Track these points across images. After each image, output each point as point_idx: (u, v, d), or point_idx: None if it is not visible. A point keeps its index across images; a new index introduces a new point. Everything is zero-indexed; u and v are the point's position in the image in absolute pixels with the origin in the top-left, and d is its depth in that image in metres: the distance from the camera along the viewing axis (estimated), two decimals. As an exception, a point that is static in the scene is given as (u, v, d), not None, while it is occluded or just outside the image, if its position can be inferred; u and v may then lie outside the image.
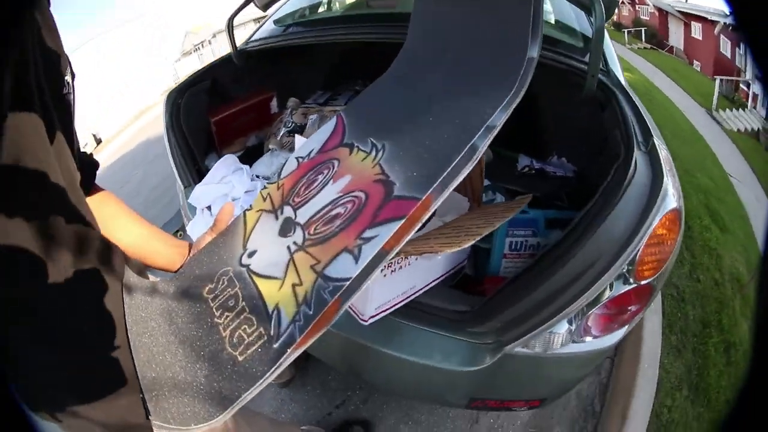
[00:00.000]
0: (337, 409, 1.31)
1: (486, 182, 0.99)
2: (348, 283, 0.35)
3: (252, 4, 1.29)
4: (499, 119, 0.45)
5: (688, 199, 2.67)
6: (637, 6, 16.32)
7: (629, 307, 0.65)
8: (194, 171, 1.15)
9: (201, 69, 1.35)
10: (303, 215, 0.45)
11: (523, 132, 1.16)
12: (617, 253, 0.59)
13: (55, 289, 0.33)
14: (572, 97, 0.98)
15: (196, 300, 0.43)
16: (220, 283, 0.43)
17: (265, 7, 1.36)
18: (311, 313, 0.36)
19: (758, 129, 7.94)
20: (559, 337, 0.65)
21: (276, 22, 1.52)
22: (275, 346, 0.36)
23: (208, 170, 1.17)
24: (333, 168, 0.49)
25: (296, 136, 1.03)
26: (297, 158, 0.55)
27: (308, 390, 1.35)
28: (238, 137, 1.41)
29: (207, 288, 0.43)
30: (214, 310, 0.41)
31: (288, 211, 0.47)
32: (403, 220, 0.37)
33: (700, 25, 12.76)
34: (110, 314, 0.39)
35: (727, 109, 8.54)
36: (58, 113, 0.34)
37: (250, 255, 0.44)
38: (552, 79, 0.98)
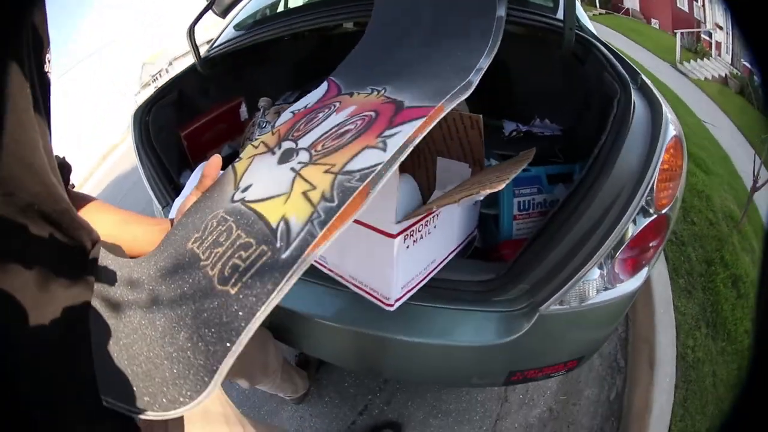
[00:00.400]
0: (361, 415, 1.26)
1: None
2: (378, 167, 0.34)
3: (211, 12, 1.25)
4: (485, 63, 0.51)
5: None
6: None
7: (650, 244, 0.65)
8: (170, 189, 1.09)
9: (166, 82, 1.30)
10: (306, 141, 0.44)
11: (503, 98, 1.16)
12: (635, 186, 0.59)
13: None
14: (551, 57, 0.98)
15: (180, 262, 0.35)
16: (208, 227, 0.37)
17: (224, 14, 1.32)
18: (334, 204, 0.32)
19: (725, 75, 8.15)
20: (592, 286, 0.63)
21: (236, 27, 1.48)
22: (283, 256, 0.30)
23: (179, 181, 1.13)
24: (335, 106, 0.50)
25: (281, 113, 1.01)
26: (292, 111, 0.53)
27: (326, 401, 1.29)
28: (210, 149, 1.36)
29: (192, 239, 0.37)
30: (201, 254, 0.35)
31: (287, 144, 0.45)
32: (423, 119, 0.39)
33: None
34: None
35: (692, 60, 8.72)
36: (41, 90, 0.32)
37: (244, 190, 0.39)
38: (527, 43, 0.98)
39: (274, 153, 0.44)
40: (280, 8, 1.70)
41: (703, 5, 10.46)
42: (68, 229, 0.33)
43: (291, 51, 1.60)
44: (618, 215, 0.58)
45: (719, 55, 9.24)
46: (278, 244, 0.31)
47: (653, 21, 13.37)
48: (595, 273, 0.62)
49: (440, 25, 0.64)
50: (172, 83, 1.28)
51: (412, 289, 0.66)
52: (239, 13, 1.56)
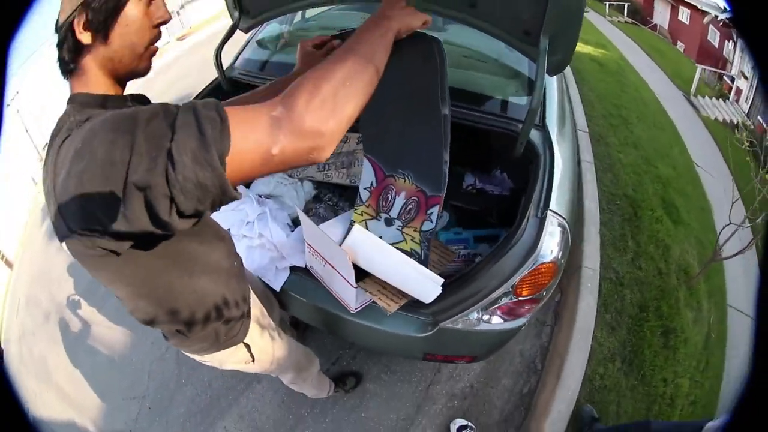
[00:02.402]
0: (333, 365, 1.72)
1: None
2: (433, 228, 0.94)
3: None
4: (446, 156, 0.91)
5: (642, 190, 2.89)
6: None
7: (522, 307, 1.00)
8: None
9: (196, 97, 1.53)
10: (394, 213, 0.99)
11: (471, 152, 1.43)
12: (502, 282, 0.94)
13: None
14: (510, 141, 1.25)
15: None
16: None
17: (247, 30, 1.55)
18: (426, 244, 0.96)
19: (737, 122, 8.02)
20: (471, 321, 1.01)
21: (259, 42, 1.71)
22: (422, 258, 0.95)
23: None
24: (393, 190, 0.98)
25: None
26: (365, 188, 1.02)
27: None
28: None
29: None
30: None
31: (384, 215, 1.00)
32: (440, 203, 0.93)
33: (689, 11, 12.87)
34: None
35: (707, 96, 8.61)
36: None
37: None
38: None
39: (379, 220, 0.97)
40: (300, 22, 1.91)
41: (734, 48, 10.36)
42: None
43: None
44: (488, 293, 0.94)
45: (737, 101, 9.18)
46: (416, 256, 0.93)
47: (679, 44, 13.32)
48: (474, 315, 1.01)
49: (414, 113, 0.92)
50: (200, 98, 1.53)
51: (365, 304, 1.06)
52: (262, 29, 1.76)
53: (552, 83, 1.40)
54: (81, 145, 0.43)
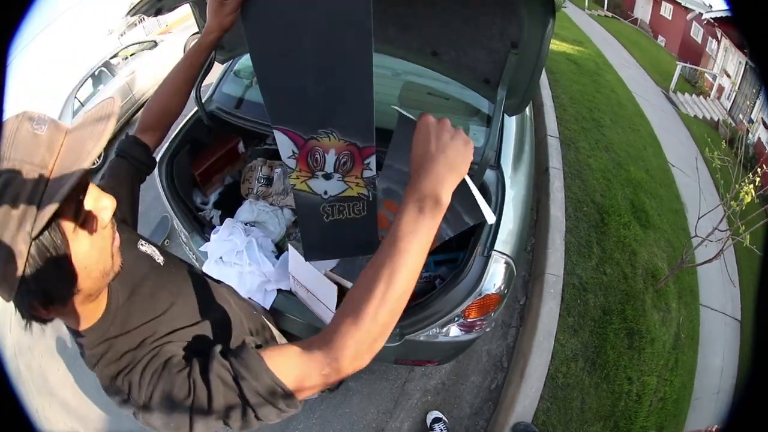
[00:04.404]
0: None
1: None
2: (374, 175, 0.91)
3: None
4: (371, 98, 0.82)
5: (611, 195, 2.95)
6: None
7: (474, 324, 1.20)
8: (191, 218, 1.52)
9: (180, 132, 1.65)
10: (329, 168, 0.92)
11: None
12: (453, 308, 1.13)
13: None
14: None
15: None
16: (325, 209, 0.96)
17: (223, 62, 1.64)
18: (372, 185, 0.93)
19: (718, 120, 8.10)
20: (431, 334, 1.22)
21: (236, 73, 1.82)
22: (370, 199, 0.95)
23: (195, 206, 1.58)
24: (320, 150, 0.89)
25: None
26: (288, 158, 0.90)
27: None
28: (215, 176, 1.80)
29: (324, 217, 0.97)
30: (336, 213, 0.97)
31: (320, 172, 0.93)
32: (374, 152, 0.88)
33: (672, 6, 12.87)
34: None
35: (687, 93, 8.66)
36: None
37: (325, 193, 0.94)
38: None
39: (318, 178, 0.91)
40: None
41: (718, 47, 10.31)
42: None
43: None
44: (442, 316, 1.14)
45: (718, 99, 9.18)
46: (365, 198, 0.94)
47: (660, 38, 13.32)
48: (434, 329, 1.21)
49: (328, 65, 0.76)
50: (184, 134, 1.64)
51: None
52: (239, 60, 1.82)
53: (511, 120, 1.55)
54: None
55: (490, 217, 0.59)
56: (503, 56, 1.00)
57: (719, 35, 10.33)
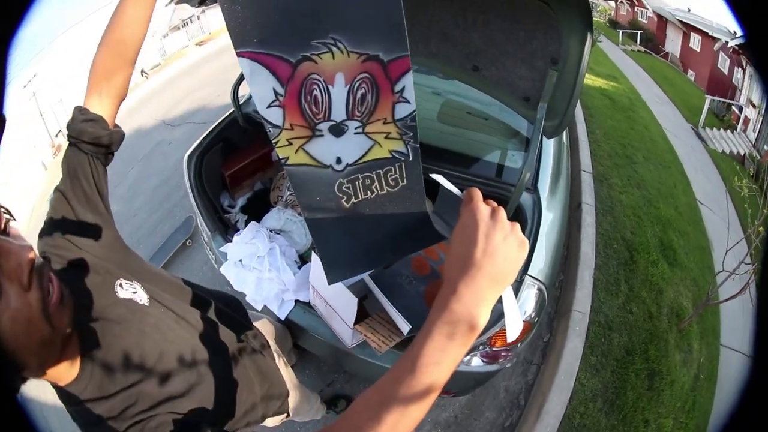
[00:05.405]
0: (328, 387, 1.87)
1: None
2: (414, 113, 0.54)
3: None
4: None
5: (641, 233, 2.95)
6: (636, 8, 16.67)
7: (499, 354, 1.11)
8: (216, 218, 1.50)
9: (213, 129, 1.65)
10: (339, 116, 0.53)
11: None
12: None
13: None
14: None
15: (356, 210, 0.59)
16: (343, 188, 0.57)
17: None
18: (411, 134, 0.56)
19: (744, 153, 8.05)
20: None
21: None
22: (411, 158, 0.57)
23: (222, 207, 1.54)
24: (319, 81, 0.51)
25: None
26: (268, 107, 0.51)
27: (306, 372, 1.89)
28: (246, 180, 1.77)
29: (342, 201, 0.58)
30: (362, 195, 0.58)
31: (324, 125, 0.53)
32: (410, 70, 0.52)
33: (700, 37, 13.05)
34: None
35: (715, 128, 8.68)
36: None
37: (338, 162, 0.56)
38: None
39: (322, 135, 0.53)
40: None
41: (743, 76, 10.42)
42: None
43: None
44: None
45: (744, 131, 9.19)
46: (403, 158, 0.56)
47: (690, 72, 13.45)
48: None
49: None
50: (217, 133, 1.63)
51: (360, 342, 1.16)
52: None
53: (549, 142, 1.50)
54: None
55: (513, 334, 0.48)
56: (543, 73, 0.99)
57: (744, 63, 10.33)
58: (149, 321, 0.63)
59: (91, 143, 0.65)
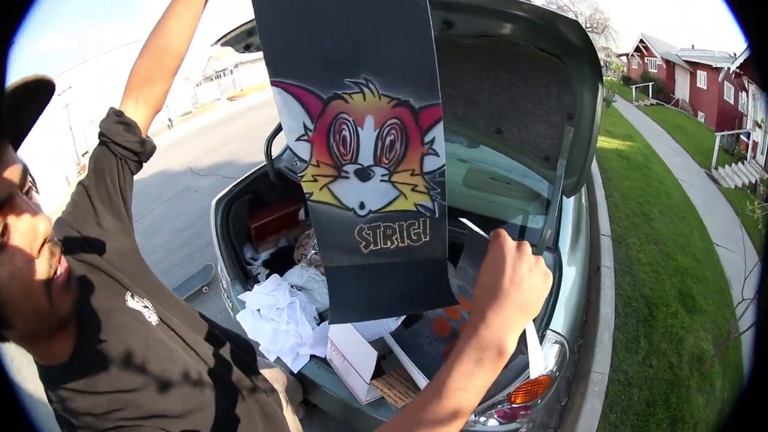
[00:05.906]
0: None
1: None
2: (443, 168, 0.53)
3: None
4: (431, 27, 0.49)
5: (659, 287, 2.95)
6: (645, 59, 17.40)
7: (518, 412, 1.10)
8: (238, 267, 1.56)
9: (244, 180, 1.75)
10: (366, 160, 0.53)
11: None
12: (499, 390, 1.04)
13: None
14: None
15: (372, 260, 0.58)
16: (363, 234, 0.56)
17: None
18: (439, 191, 0.54)
19: (756, 180, 8.10)
20: (468, 422, 1.10)
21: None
22: (437, 215, 0.55)
23: (244, 258, 1.58)
24: (348, 121, 0.51)
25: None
26: (297, 140, 0.52)
27: (313, 430, 1.81)
28: (271, 236, 1.83)
29: (361, 246, 0.57)
30: (381, 245, 0.57)
31: (350, 167, 0.54)
32: (440, 120, 0.50)
33: (705, 73, 13.52)
34: None
35: (726, 165, 8.84)
36: None
37: (361, 207, 0.56)
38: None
39: (348, 177, 0.54)
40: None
41: (747, 98, 10.52)
42: None
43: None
44: (491, 395, 1.03)
45: (754, 157, 9.28)
46: (428, 213, 0.54)
47: (700, 114, 13.77)
48: (472, 417, 1.10)
49: None
50: (247, 184, 1.72)
51: (375, 398, 1.16)
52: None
53: (569, 203, 1.54)
54: None
55: (536, 370, 0.47)
56: (561, 130, 1.03)
57: (746, 83, 10.35)
58: (156, 336, 0.60)
59: (122, 146, 0.64)
